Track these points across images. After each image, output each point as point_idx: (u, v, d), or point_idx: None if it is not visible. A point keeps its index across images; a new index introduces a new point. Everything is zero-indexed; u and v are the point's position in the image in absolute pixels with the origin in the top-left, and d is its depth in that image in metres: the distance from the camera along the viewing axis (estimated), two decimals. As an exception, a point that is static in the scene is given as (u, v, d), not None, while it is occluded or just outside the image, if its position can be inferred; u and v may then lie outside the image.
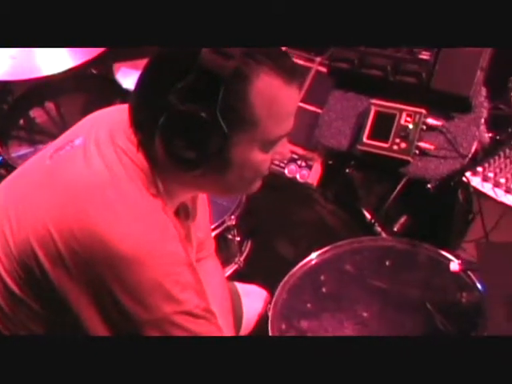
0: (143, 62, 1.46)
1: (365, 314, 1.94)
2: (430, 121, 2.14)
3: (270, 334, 1.89)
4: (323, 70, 2.45)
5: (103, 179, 1.37)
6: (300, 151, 2.45)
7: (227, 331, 1.70)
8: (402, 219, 2.52)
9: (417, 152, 2.13)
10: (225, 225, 2.44)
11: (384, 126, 2.17)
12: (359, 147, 2.21)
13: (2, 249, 1.41)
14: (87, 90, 3.06)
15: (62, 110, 3.04)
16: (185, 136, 1.33)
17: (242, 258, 2.58)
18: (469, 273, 1.90)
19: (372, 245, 2.17)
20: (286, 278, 2.05)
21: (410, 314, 1.89)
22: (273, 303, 1.97)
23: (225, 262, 2.52)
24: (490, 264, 1.76)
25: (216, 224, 2.43)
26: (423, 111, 2.14)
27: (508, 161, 2.05)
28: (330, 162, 2.45)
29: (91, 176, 1.38)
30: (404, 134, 2.13)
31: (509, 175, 2.00)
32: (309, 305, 1.99)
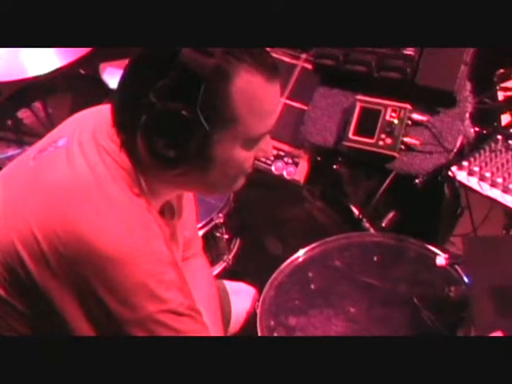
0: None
1: (353, 310, 1.94)
2: (415, 116, 2.14)
3: (259, 330, 1.89)
4: (309, 66, 2.45)
5: (86, 180, 1.37)
6: (286, 148, 2.45)
7: (215, 329, 1.71)
8: (390, 215, 2.53)
9: (402, 147, 2.14)
10: (213, 223, 2.45)
11: (369, 121, 2.17)
12: (345, 143, 2.21)
13: None
14: (75, 90, 3.06)
15: (50, 111, 3.05)
16: (165, 134, 1.33)
17: (230, 256, 2.58)
18: (456, 267, 1.91)
19: (359, 241, 2.17)
20: (274, 275, 2.05)
21: (398, 310, 1.89)
22: (261, 300, 1.97)
23: (214, 260, 2.52)
24: (475, 258, 1.77)
25: (204, 222, 2.43)
26: (408, 107, 2.14)
27: (493, 155, 2.05)
28: (319, 159, 2.46)
29: (74, 177, 1.38)
30: (389, 130, 2.13)
31: (494, 169, 2.00)
32: (297, 301, 2.00)
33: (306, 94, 2.41)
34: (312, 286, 2.04)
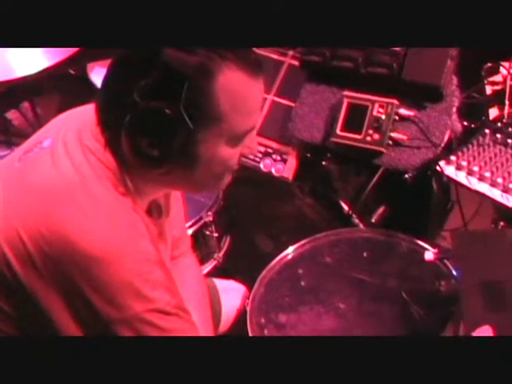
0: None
1: (343, 306, 1.93)
2: (403, 111, 2.15)
3: (249, 328, 1.89)
4: (296, 63, 2.44)
5: (71, 180, 1.37)
6: (274, 145, 2.46)
7: (205, 327, 1.71)
8: (380, 210, 2.53)
9: (390, 143, 2.14)
10: (202, 221, 2.44)
11: (357, 117, 2.18)
12: (333, 139, 2.21)
13: None
14: (63, 90, 3.05)
15: (39, 111, 3.04)
16: (149, 133, 1.33)
17: (220, 254, 2.58)
18: (445, 261, 1.91)
19: (349, 237, 2.17)
20: (263, 273, 2.05)
21: (388, 305, 1.89)
22: (251, 298, 1.97)
23: (203, 259, 2.52)
24: (464, 252, 1.77)
25: (193, 220, 2.43)
26: (395, 102, 2.14)
27: (481, 149, 2.05)
28: (308, 155, 2.46)
29: (59, 177, 1.38)
30: (377, 125, 2.13)
31: (482, 163, 2.00)
32: (287, 299, 1.99)
33: (294, 90, 2.41)
34: (302, 283, 2.04)
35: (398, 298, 1.88)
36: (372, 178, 2.39)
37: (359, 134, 2.16)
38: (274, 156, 2.45)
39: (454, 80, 2.14)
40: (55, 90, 3.12)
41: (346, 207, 2.49)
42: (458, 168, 2.02)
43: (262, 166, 2.46)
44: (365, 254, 2.08)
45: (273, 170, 2.44)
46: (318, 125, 2.30)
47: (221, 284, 2.13)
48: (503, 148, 2.04)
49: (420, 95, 2.15)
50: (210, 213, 2.47)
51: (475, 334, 1.51)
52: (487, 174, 1.96)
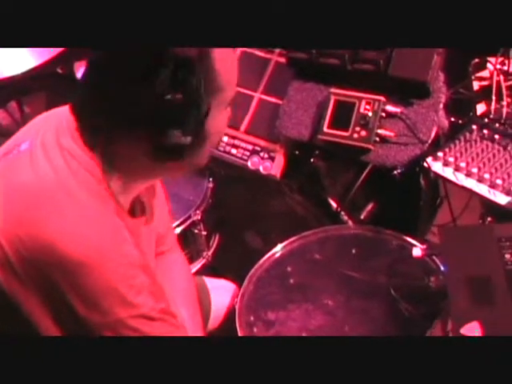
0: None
1: (331, 303, 1.94)
2: (389, 108, 2.14)
3: (238, 326, 1.89)
4: (283, 60, 2.44)
5: (50, 183, 1.36)
6: (262, 143, 2.45)
7: (194, 323, 1.72)
8: (369, 207, 2.53)
9: (377, 139, 2.14)
10: (191, 220, 2.44)
11: (344, 114, 2.17)
12: (320, 137, 2.21)
13: None
14: (51, 89, 3.04)
15: (26, 111, 3.03)
16: (176, 124, 1.33)
17: (209, 253, 2.58)
18: (433, 257, 1.91)
19: (338, 234, 2.18)
20: (252, 271, 2.05)
21: (377, 301, 1.90)
22: (240, 296, 1.97)
23: (193, 257, 2.53)
24: (452, 248, 1.77)
25: (182, 219, 2.43)
26: (382, 99, 2.14)
27: (468, 145, 2.06)
28: (297, 153, 2.46)
29: (38, 181, 1.37)
30: (364, 122, 2.13)
31: (469, 159, 2.01)
32: (276, 296, 1.99)
33: (281, 88, 2.41)
34: (291, 281, 2.05)
35: (386, 295, 1.88)
36: (360, 175, 2.39)
37: (346, 131, 2.16)
38: (261, 154, 2.44)
39: (441, 76, 2.14)
40: (42, 90, 3.10)
41: (334, 204, 2.49)
42: (446, 164, 2.02)
43: (249, 164, 2.46)
44: (353, 251, 2.09)
45: (261, 168, 2.44)
46: (306, 122, 2.30)
47: (211, 282, 2.12)
48: (490, 144, 2.05)
49: (407, 91, 2.15)
50: (198, 211, 2.47)
51: (463, 330, 1.51)
52: (474, 170, 1.97)
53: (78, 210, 1.34)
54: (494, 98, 2.16)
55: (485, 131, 2.08)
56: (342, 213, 2.47)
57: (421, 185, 2.36)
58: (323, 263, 2.08)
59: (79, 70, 2.94)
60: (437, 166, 2.03)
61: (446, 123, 2.16)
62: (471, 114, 2.20)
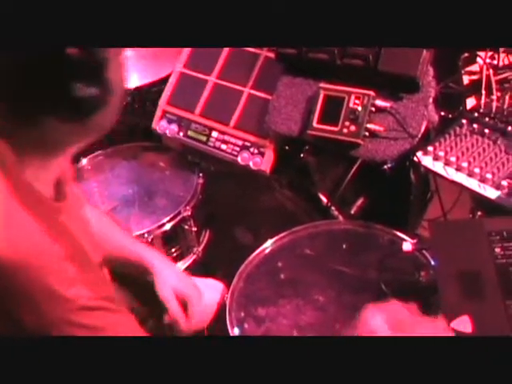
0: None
1: (322, 299, 1.93)
2: (379, 102, 2.13)
3: (228, 322, 1.89)
4: (272, 56, 2.43)
5: None
6: (252, 138, 2.44)
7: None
8: (359, 202, 2.53)
9: (367, 134, 2.13)
10: (181, 216, 2.44)
11: (333, 109, 2.16)
12: (309, 132, 2.20)
13: None
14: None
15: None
16: (76, 77, 1.25)
17: (200, 248, 2.58)
18: (424, 252, 1.92)
19: (328, 229, 2.18)
20: (242, 267, 2.05)
21: (367, 297, 1.89)
22: (230, 292, 1.97)
23: (183, 253, 2.53)
24: (442, 242, 1.77)
25: (172, 215, 2.43)
26: (371, 93, 2.13)
27: (458, 139, 2.06)
28: (287, 148, 2.46)
29: None
30: (353, 117, 2.12)
31: (459, 153, 2.01)
32: (266, 292, 1.99)
33: (270, 83, 2.40)
34: (281, 276, 2.04)
35: (377, 290, 1.88)
36: (350, 170, 2.39)
37: (336, 126, 2.15)
38: (251, 149, 2.44)
39: (431, 70, 2.13)
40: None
41: (324, 199, 2.49)
42: (436, 158, 2.02)
43: (239, 159, 2.45)
44: (344, 246, 2.09)
45: (250, 164, 2.43)
46: (295, 117, 2.29)
47: (199, 282, 2.12)
48: (480, 138, 2.05)
49: (396, 86, 2.14)
50: (188, 207, 2.47)
51: (453, 324, 1.51)
52: (464, 164, 1.97)
53: None
54: (483, 92, 2.17)
55: (475, 125, 2.08)
56: (333, 208, 2.47)
57: (411, 179, 2.36)
58: (314, 258, 2.08)
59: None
60: (427, 161, 2.03)
61: (435, 117, 2.16)
62: (461, 108, 2.21)
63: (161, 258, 2.00)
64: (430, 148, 2.04)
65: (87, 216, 1.68)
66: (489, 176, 1.92)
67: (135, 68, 2.82)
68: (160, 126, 2.65)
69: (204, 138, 2.54)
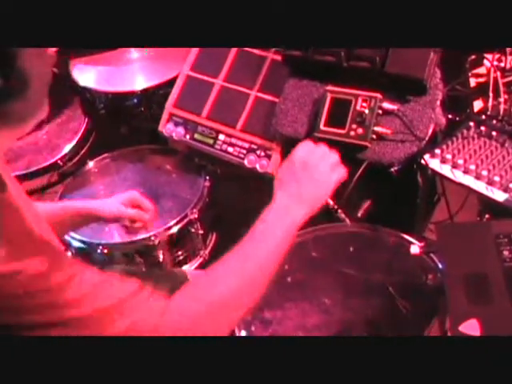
0: (99, 57, 1.39)
1: (328, 302, 1.93)
2: (386, 105, 2.13)
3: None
4: (279, 58, 2.43)
5: None
6: (258, 141, 2.45)
7: None
8: (366, 204, 2.52)
9: (374, 137, 2.13)
10: (187, 219, 2.44)
11: (340, 112, 2.16)
12: (316, 134, 2.20)
13: None
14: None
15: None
16: None
17: (206, 251, 2.58)
18: (431, 255, 1.91)
19: (335, 232, 2.18)
20: (249, 270, 2.04)
21: (374, 299, 1.89)
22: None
23: (190, 256, 2.52)
24: (449, 245, 1.76)
25: (178, 218, 2.43)
26: (378, 96, 2.13)
27: (466, 142, 2.05)
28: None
29: None
30: (360, 120, 2.12)
31: (467, 156, 2.00)
32: (273, 295, 1.98)
33: (277, 86, 2.40)
34: (288, 279, 2.04)
35: (384, 293, 1.88)
36: (357, 173, 2.38)
37: (343, 128, 2.15)
38: (258, 152, 2.44)
39: (438, 73, 2.13)
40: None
41: (331, 202, 2.48)
42: (443, 161, 2.02)
43: (246, 162, 2.45)
44: (351, 249, 2.09)
45: (257, 166, 2.43)
46: (302, 120, 2.29)
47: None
48: (488, 140, 2.04)
49: (403, 89, 2.14)
50: (195, 210, 2.47)
51: (461, 327, 1.50)
52: (472, 167, 1.96)
53: None
54: (491, 94, 2.17)
55: (482, 128, 2.08)
56: (339, 211, 2.46)
57: (418, 182, 2.35)
58: (320, 261, 2.08)
59: (74, 68, 2.94)
60: (434, 163, 2.03)
61: (443, 120, 2.15)
62: (468, 110, 2.20)
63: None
64: (438, 151, 2.04)
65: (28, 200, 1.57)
66: (496, 178, 1.91)
67: (142, 70, 2.83)
68: (167, 128, 2.65)
69: (211, 141, 2.54)
